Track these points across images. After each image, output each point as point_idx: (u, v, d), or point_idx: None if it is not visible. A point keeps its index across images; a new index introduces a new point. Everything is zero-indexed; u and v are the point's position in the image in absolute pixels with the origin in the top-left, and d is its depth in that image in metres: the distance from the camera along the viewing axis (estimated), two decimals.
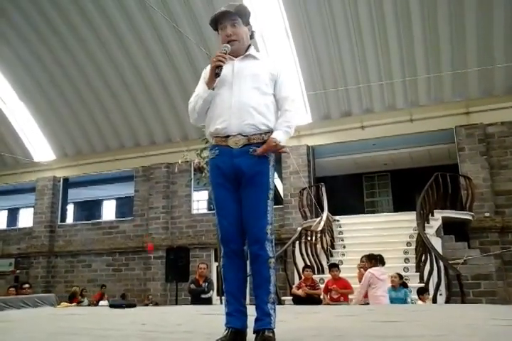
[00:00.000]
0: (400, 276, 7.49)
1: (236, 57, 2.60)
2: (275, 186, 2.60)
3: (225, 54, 2.49)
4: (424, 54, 11.65)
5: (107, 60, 13.49)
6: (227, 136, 2.47)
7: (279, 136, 2.46)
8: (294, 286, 8.37)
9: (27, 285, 9.72)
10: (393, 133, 12.48)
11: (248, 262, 2.47)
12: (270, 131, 2.49)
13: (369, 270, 7.09)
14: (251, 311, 2.42)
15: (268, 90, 2.54)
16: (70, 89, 14.45)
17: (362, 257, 7.86)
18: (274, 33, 11.82)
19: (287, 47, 12.00)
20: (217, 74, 2.47)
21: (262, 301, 2.36)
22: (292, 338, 2.52)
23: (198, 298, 8.34)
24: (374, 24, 11.40)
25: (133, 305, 5.75)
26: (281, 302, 8.04)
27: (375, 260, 7.30)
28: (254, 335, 2.28)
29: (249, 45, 2.65)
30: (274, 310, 2.37)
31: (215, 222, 2.55)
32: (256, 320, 2.34)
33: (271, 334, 2.26)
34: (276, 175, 14.32)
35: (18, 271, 15.74)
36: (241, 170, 2.44)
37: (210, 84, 2.50)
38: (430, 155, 14.02)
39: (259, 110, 2.47)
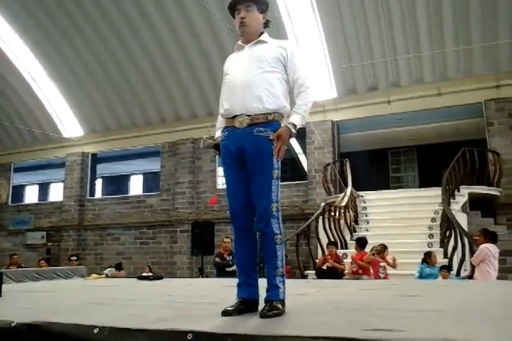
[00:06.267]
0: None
1: (247, 43, 2.70)
2: (282, 164, 2.68)
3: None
4: (453, 25, 11.28)
5: (133, 37, 13.49)
6: (234, 117, 2.57)
7: (297, 121, 2.54)
8: (317, 261, 8.48)
9: (74, 258, 10.45)
10: (420, 107, 12.23)
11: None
12: (276, 112, 2.57)
13: (485, 245, 6.87)
14: (263, 283, 2.59)
15: (272, 69, 2.59)
16: (97, 65, 14.55)
17: (372, 248, 7.90)
18: (300, 7, 11.62)
19: (313, 20, 11.79)
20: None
21: (270, 275, 2.54)
22: (313, 310, 2.61)
23: (223, 271, 8.54)
24: None
25: (160, 278, 5.94)
26: (304, 276, 8.19)
27: (490, 236, 7.10)
28: (264, 304, 2.47)
29: (262, 33, 2.72)
30: (283, 282, 2.53)
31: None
32: (266, 291, 2.53)
33: (278, 305, 2.43)
34: (300, 150, 14.35)
35: (49, 244, 16.24)
36: (245, 150, 2.54)
37: None
38: (458, 130, 13.74)
39: (263, 87, 2.54)
